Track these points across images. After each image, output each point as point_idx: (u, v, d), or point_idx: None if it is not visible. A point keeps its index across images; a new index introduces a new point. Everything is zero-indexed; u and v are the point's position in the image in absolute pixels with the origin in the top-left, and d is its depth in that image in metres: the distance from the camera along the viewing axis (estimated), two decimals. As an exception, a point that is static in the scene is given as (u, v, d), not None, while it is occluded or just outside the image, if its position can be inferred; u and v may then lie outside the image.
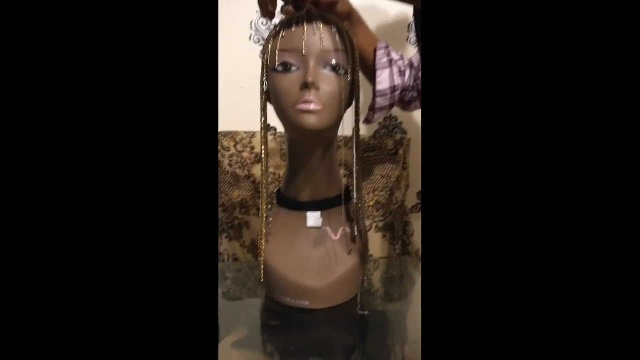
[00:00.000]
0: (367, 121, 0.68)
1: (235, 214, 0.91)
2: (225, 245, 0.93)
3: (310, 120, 0.50)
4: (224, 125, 0.88)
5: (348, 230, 0.61)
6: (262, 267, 0.61)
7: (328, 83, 0.51)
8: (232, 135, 0.91)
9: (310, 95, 0.50)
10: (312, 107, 0.50)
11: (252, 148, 0.90)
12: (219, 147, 0.90)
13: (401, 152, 0.92)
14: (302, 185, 0.60)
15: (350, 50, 0.53)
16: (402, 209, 0.94)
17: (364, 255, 0.61)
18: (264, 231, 0.62)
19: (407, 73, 0.68)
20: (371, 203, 0.91)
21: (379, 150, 0.92)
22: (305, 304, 0.59)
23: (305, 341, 0.55)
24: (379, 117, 0.70)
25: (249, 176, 0.90)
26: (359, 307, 0.60)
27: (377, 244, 0.91)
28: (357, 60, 0.55)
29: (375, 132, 1.04)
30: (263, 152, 0.61)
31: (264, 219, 0.62)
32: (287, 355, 0.53)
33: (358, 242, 0.61)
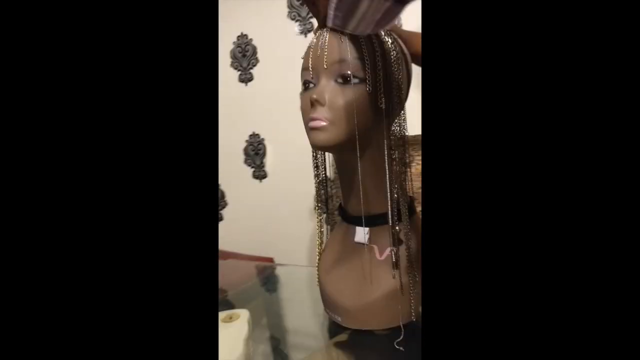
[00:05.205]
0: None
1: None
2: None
3: (319, 137, 0.49)
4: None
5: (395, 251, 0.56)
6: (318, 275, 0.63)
7: (337, 96, 0.49)
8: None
9: (316, 112, 0.49)
10: (318, 124, 0.49)
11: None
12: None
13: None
14: (348, 199, 0.59)
15: (371, 57, 0.49)
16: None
17: (410, 282, 0.55)
18: (319, 242, 0.63)
19: None
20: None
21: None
22: (339, 319, 0.58)
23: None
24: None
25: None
26: (400, 338, 0.54)
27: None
28: (382, 67, 0.50)
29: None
30: (320, 166, 0.62)
31: (319, 231, 0.63)
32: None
33: (403, 267, 0.55)
